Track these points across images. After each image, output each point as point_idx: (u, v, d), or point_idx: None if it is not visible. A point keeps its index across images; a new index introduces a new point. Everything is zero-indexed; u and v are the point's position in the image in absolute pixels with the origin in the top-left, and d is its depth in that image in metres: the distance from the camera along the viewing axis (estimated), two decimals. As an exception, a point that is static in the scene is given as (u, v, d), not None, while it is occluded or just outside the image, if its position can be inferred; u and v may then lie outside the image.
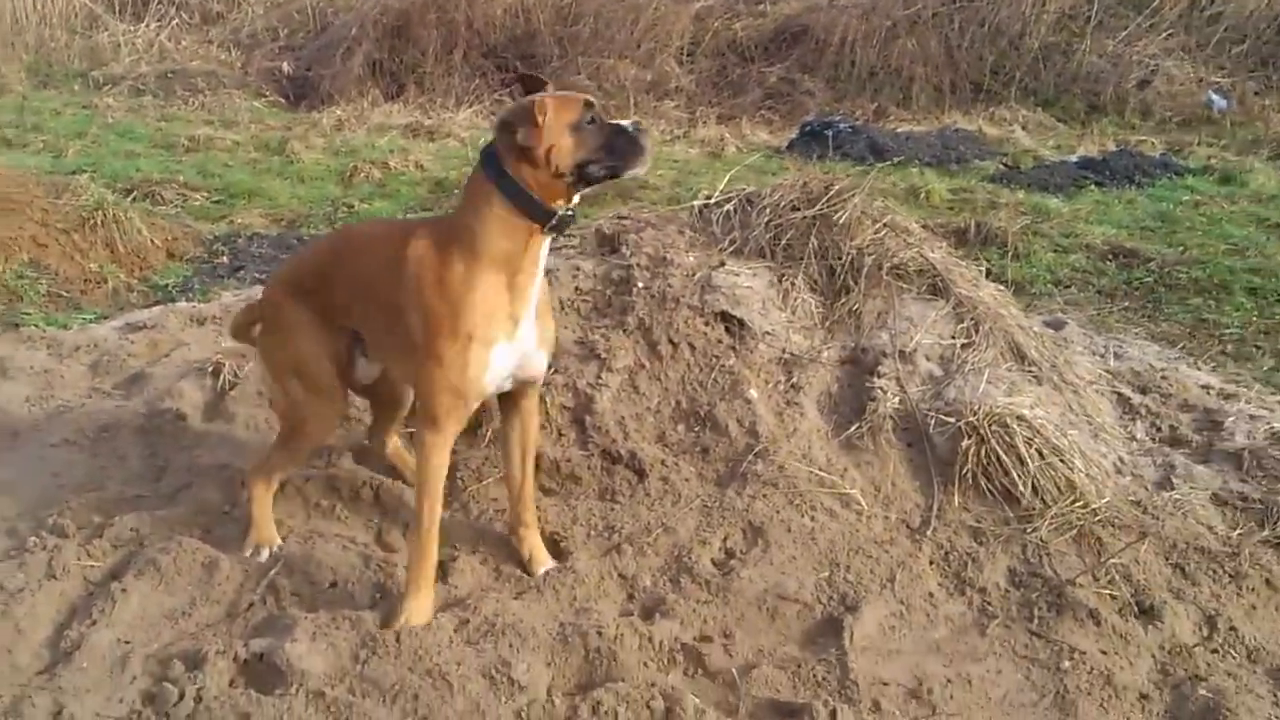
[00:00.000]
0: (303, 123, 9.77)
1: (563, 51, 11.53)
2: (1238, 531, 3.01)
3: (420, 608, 2.50)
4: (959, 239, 6.37)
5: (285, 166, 8.01)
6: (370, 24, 11.45)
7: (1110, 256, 6.06)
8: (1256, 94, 9.70)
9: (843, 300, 3.55)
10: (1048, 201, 7.04)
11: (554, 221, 2.44)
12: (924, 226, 6.56)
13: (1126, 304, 5.42)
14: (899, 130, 9.34)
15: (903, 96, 10.61)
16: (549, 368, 2.73)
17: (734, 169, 5.24)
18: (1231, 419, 3.50)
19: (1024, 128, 9.49)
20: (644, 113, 10.86)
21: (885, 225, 3.70)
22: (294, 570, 2.69)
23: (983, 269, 5.78)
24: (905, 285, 3.59)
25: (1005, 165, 8.14)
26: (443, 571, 2.68)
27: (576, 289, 3.56)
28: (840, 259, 3.61)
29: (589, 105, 2.43)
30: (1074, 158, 8.13)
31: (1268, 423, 3.47)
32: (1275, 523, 3.02)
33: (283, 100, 10.94)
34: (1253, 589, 2.83)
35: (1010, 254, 6.06)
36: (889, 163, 8.04)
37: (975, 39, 10.76)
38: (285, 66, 11.57)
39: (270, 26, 12.36)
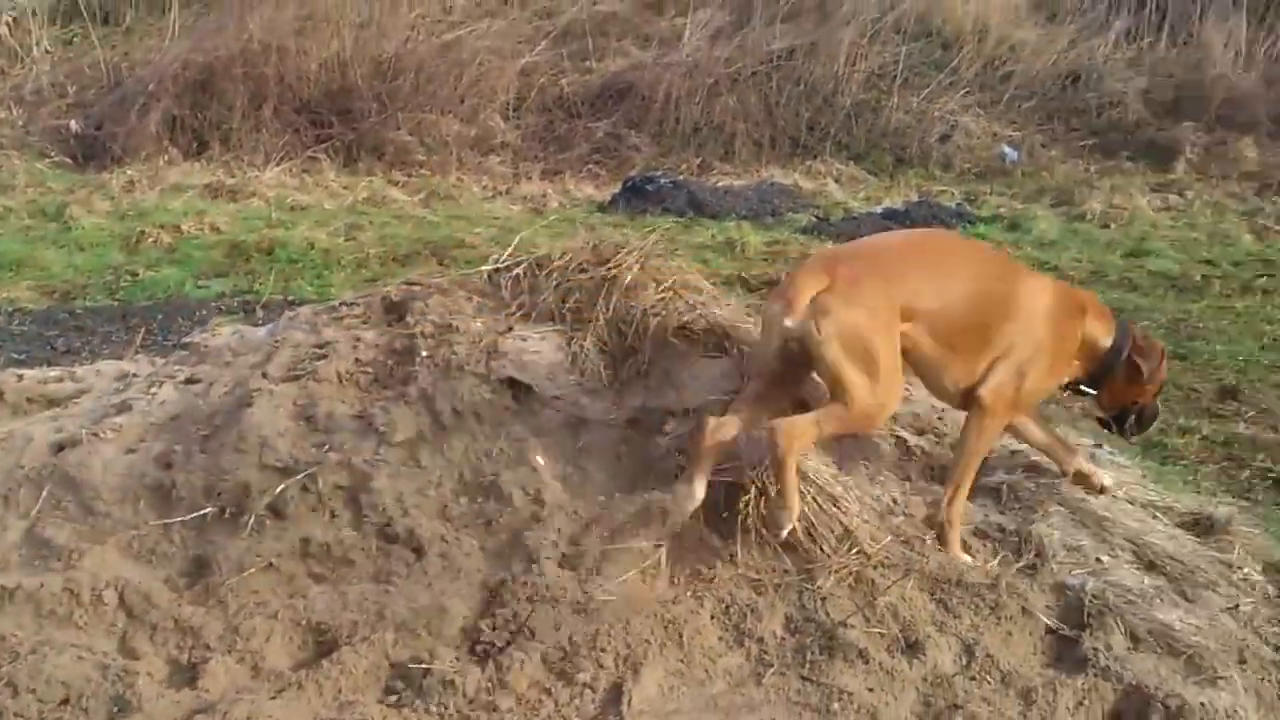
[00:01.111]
0: (87, 185, 9.40)
1: (382, 107, 11.56)
2: (996, 562, 3.28)
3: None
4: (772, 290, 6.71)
5: (62, 234, 7.72)
6: (170, 79, 11.17)
7: (909, 303, 6.47)
8: (1043, 146, 10.60)
9: (631, 361, 3.71)
10: (854, 252, 7.46)
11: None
12: (740, 279, 6.97)
13: (924, 347, 5.80)
14: (719, 184, 9.76)
15: (725, 151, 11.09)
16: None
17: (532, 227, 5.42)
18: (994, 454, 3.81)
19: (837, 181, 10.06)
20: (469, 169, 11.01)
21: (673, 285, 3.89)
22: (18, 688, 2.59)
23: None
24: (693, 344, 3.78)
25: (817, 217, 8.63)
26: (192, 674, 2.67)
27: (356, 360, 3.60)
28: (629, 320, 3.77)
29: None
30: (879, 209, 8.68)
31: (1026, 456, 3.80)
32: (1029, 552, 3.31)
33: (69, 161, 10.55)
34: (1009, 617, 3.09)
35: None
36: (686, 218, 8.42)
37: (792, 96, 11.35)
38: (73, 124, 11.14)
39: (58, 82, 11.89)
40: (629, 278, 3.80)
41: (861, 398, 3.03)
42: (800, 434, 3.01)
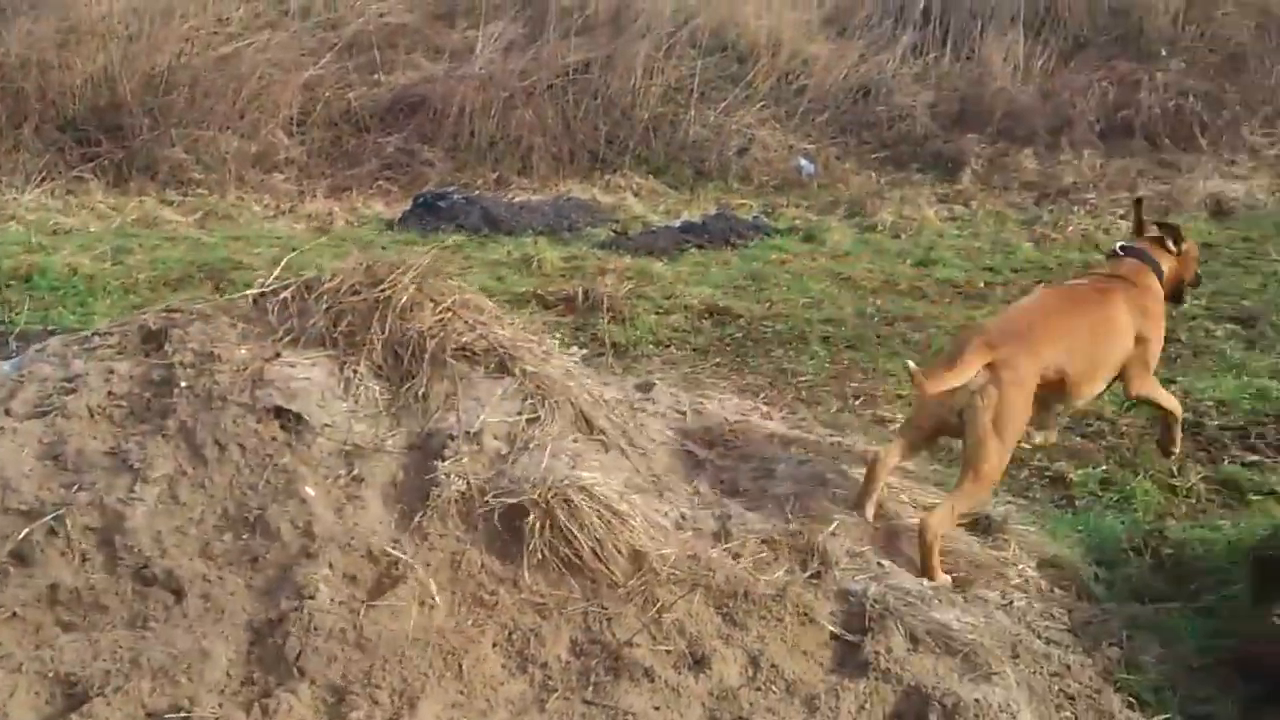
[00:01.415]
0: None
1: (154, 123, 11.09)
2: (782, 572, 3.39)
3: None
4: (569, 306, 6.80)
5: None
6: (-82, 98, 10.49)
7: (706, 315, 6.70)
8: (838, 158, 11.04)
9: (408, 385, 3.67)
10: (652, 265, 7.64)
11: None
12: (536, 296, 7.00)
13: (718, 359, 6.00)
14: (516, 200, 9.77)
15: (522, 166, 11.08)
16: None
17: (308, 246, 5.30)
18: (783, 465, 3.95)
19: (636, 194, 10.22)
20: (249, 187, 10.68)
21: (451, 305, 3.87)
22: None
23: (589, 335, 6.26)
24: (473, 365, 3.77)
25: (615, 232, 8.76)
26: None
27: (109, 394, 3.44)
28: (405, 342, 3.73)
29: None
30: (678, 222, 8.87)
31: (813, 466, 3.95)
32: (815, 560, 3.44)
33: None
34: (795, 626, 3.20)
35: (616, 318, 6.52)
36: (480, 234, 8.48)
37: (589, 110, 11.46)
38: None
39: None
40: (404, 298, 3.76)
41: (991, 466, 3.68)
42: (941, 522, 3.62)
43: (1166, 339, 6.39)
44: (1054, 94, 11.80)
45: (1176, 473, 4.80)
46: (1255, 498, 4.62)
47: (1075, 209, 9.63)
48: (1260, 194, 10.02)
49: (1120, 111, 11.46)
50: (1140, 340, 4.13)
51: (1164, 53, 12.14)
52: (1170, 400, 4.45)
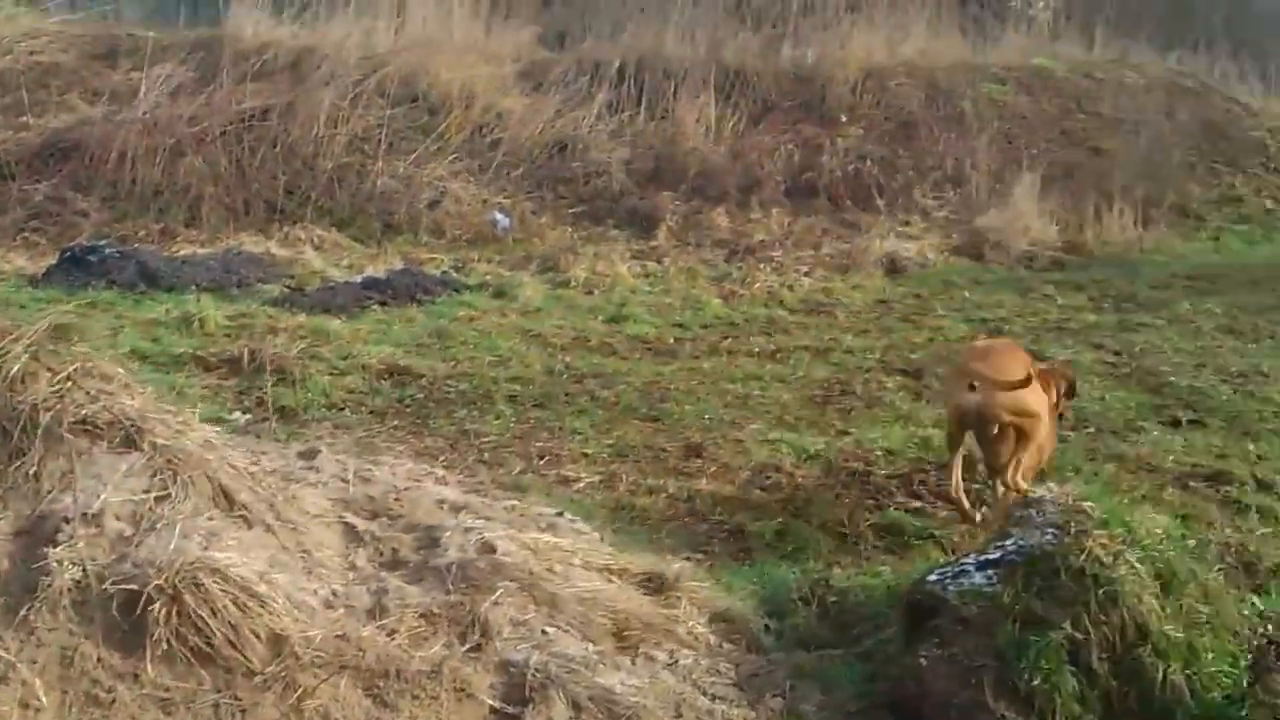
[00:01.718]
0: None
1: None
2: (439, 647, 3.36)
3: None
4: (233, 368, 6.53)
5: None
6: None
7: (386, 376, 6.62)
8: (534, 213, 11.27)
9: (18, 464, 3.40)
10: (329, 324, 7.49)
11: None
12: (196, 358, 6.68)
13: (397, 422, 5.93)
14: (180, 254, 9.35)
15: (191, 217, 10.60)
16: None
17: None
18: (448, 533, 3.92)
19: (317, 248, 9.98)
20: None
21: (72, 374, 3.63)
22: None
23: (254, 400, 6.02)
24: (95, 439, 3.54)
25: (289, 287, 8.52)
26: None
27: None
28: (15, 417, 3.46)
29: None
30: (359, 278, 8.75)
31: (480, 533, 3.95)
32: (475, 632, 3.43)
33: None
34: (449, 703, 3.17)
35: (285, 380, 6.30)
36: (136, 291, 8.21)
37: (268, 159, 11.14)
38: None
39: None
40: (15, 368, 3.50)
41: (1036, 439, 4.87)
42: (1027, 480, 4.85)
43: (843, 390, 6.99)
44: (744, 155, 12.56)
45: (847, 521, 5.13)
46: (917, 542, 5.01)
47: (762, 265, 10.24)
48: (930, 253, 11.05)
49: (805, 173, 12.36)
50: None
51: (844, 119, 13.19)
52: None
